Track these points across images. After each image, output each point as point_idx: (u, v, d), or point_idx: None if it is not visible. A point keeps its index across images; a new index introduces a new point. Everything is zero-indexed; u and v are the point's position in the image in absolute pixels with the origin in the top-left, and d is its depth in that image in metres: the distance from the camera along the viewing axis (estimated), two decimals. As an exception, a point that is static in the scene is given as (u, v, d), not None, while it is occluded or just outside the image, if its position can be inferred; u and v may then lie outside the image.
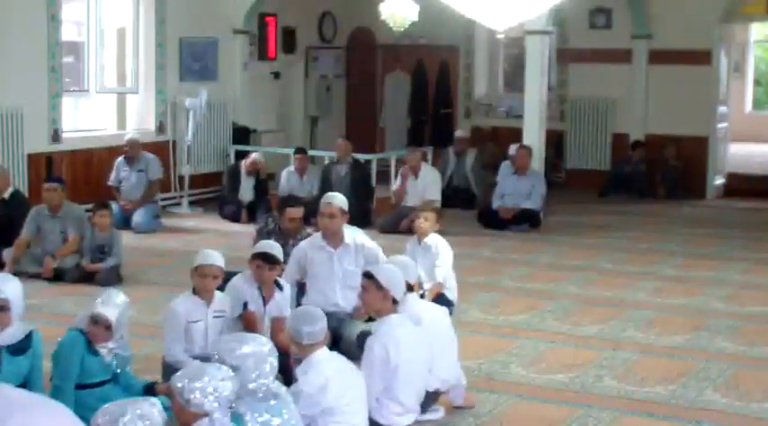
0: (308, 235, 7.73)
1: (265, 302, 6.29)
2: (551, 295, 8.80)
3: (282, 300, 6.35)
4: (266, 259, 6.22)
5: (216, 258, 6.01)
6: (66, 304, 8.18)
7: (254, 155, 12.64)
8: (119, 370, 5.47)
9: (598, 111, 15.41)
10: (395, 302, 5.58)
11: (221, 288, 6.29)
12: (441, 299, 7.76)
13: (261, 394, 4.37)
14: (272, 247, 6.32)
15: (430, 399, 5.74)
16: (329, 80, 16.35)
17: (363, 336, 6.02)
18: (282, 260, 6.42)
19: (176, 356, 5.85)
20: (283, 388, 4.62)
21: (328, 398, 4.91)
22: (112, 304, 5.35)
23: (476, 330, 7.66)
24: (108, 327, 5.30)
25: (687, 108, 14.60)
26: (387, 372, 5.36)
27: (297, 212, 7.88)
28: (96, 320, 5.29)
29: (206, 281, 5.95)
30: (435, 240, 7.96)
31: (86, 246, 9.11)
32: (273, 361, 4.48)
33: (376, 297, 5.54)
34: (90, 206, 9.57)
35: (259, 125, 14.64)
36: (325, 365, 4.99)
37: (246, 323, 6.16)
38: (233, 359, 4.35)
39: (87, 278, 8.88)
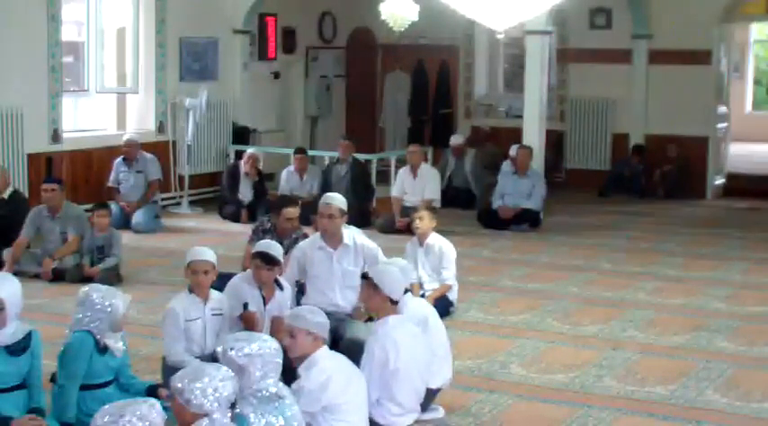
0: (305, 235, 7.73)
1: (266, 302, 6.28)
2: (551, 295, 8.80)
3: (283, 300, 6.35)
4: (265, 259, 6.21)
5: (206, 253, 6.03)
6: (66, 304, 8.16)
7: (249, 151, 12.62)
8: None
9: (598, 111, 15.41)
10: (394, 302, 5.58)
11: (220, 289, 6.30)
12: (442, 299, 7.78)
13: (266, 395, 4.37)
14: (272, 247, 6.30)
15: (430, 398, 5.75)
16: (329, 80, 16.34)
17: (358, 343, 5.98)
18: (282, 260, 6.41)
19: (178, 355, 5.84)
20: (287, 389, 4.61)
21: (329, 395, 4.93)
22: (120, 295, 5.40)
23: (476, 330, 7.67)
24: (124, 314, 5.34)
25: (687, 108, 14.59)
26: (386, 373, 5.37)
27: (294, 212, 7.83)
28: (123, 313, 5.33)
29: (198, 277, 5.95)
30: (438, 241, 7.98)
31: (86, 246, 9.11)
32: (279, 362, 4.47)
33: (374, 299, 5.57)
34: (90, 206, 9.57)
35: (259, 125, 14.63)
36: (326, 362, 5.01)
37: (247, 323, 6.16)
38: (240, 358, 4.35)
39: (87, 278, 8.88)
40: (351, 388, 5.08)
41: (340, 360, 5.19)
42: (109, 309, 5.29)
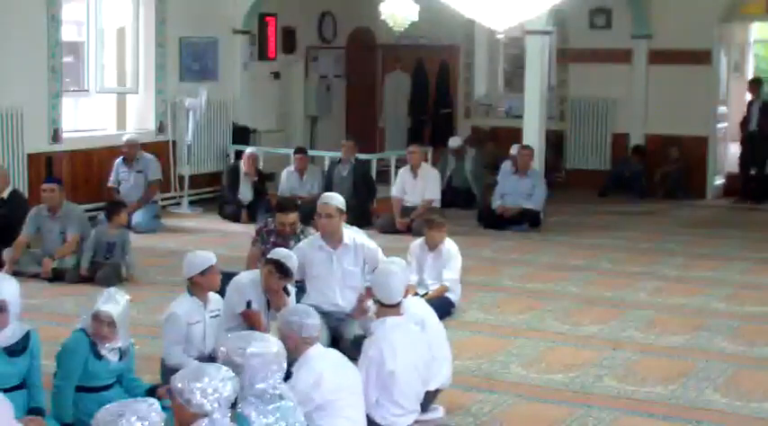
0: (310, 234, 7.70)
1: (270, 305, 6.24)
2: (551, 295, 8.80)
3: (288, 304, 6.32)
4: (280, 269, 6.12)
5: (209, 256, 6.07)
6: (67, 304, 8.19)
7: (249, 151, 12.61)
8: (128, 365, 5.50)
9: (598, 111, 15.40)
10: (392, 305, 5.56)
11: (224, 288, 6.28)
12: (444, 300, 7.77)
13: (267, 396, 4.36)
14: (289, 258, 6.20)
15: (429, 399, 5.74)
16: (329, 80, 16.34)
17: (358, 340, 6.01)
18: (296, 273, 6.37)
19: (177, 358, 5.85)
20: (289, 390, 4.58)
21: (322, 393, 4.89)
22: (113, 301, 5.36)
23: (476, 330, 7.67)
24: (111, 324, 5.30)
25: (687, 108, 14.58)
26: (382, 374, 5.35)
27: (287, 218, 7.63)
28: (98, 316, 5.29)
29: (213, 280, 6.01)
30: (447, 245, 8.00)
31: (86, 246, 9.10)
32: (281, 363, 4.45)
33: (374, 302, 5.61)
34: (89, 206, 9.57)
35: (259, 125, 14.63)
36: (318, 361, 4.98)
37: (250, 321, 6.13)
38: (238, 357, 4.34)
39: (87, 278, 8.89)
40: (346, 384, 5.03)
41: (332, 357, 5.16)
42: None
